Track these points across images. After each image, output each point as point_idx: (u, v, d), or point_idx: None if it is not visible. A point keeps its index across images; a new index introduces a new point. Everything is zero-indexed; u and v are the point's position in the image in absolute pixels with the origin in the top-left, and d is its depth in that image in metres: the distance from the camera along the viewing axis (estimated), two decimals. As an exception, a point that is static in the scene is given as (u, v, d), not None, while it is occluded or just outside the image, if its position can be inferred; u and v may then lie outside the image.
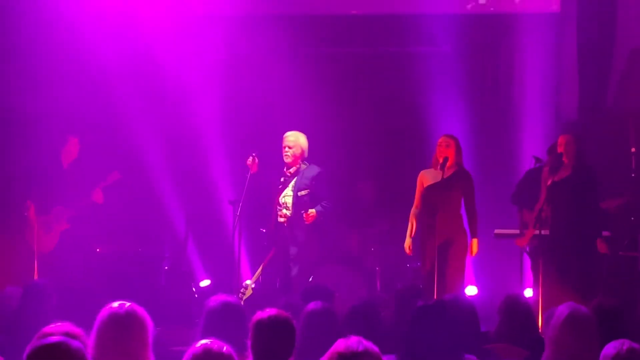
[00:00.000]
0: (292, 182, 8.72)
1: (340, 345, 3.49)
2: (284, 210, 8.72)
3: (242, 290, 8.79)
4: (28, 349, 3.36)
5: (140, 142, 10.70)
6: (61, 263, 9.17)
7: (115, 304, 4.22)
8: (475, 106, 10.89)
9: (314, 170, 8.75)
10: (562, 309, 4.64)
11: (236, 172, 8.69)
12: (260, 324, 4.34)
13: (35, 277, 8.57)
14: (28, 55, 10.47)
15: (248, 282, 8.92)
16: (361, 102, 10.99)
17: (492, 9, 10.59)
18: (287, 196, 8.72)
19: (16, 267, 9.17)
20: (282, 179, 8.76)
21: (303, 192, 8.66)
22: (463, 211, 8.67)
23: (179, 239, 10.90)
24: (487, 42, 10.60)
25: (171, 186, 10.93)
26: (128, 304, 4.22)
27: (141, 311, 4.20)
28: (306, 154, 8.78)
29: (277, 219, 8.72)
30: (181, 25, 11.05)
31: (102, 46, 10.65)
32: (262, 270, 8.76)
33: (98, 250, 9.99)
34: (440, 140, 8.67)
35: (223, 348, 3.77)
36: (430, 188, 8.59)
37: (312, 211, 8.62)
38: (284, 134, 8.82)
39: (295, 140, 8.71)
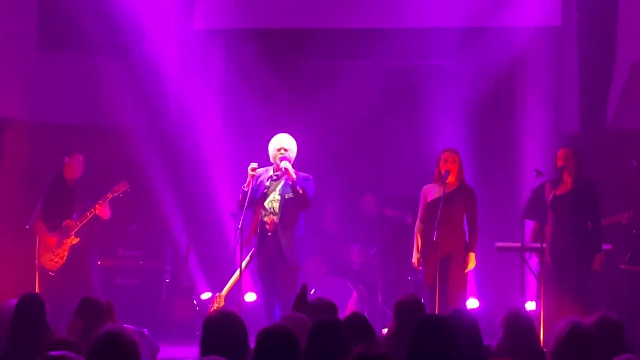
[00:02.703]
0: (279, 186, 8.37)
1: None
2: (271, 216, 8.36)
3: (215, 303, 8.76)
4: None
5: (141, 154, 10.73)
6: (65, 276, 9.13)
7: (104, 330, 4.19)
8: (477, 119, 10.89)
9: (302, 175, 8.42)
10: (564, 324, 4.63)
11: (238, 184, 8.62)
12: (262, 337, 4.34)
13: (37, 290, 8.56)
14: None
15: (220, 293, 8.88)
16: (364, 115, 10.99)
17: (493, 22, 10.61)
18: (274, 201, 8.37)
19: (23, 280, 9.16)
20: (267, 183, 8.41)
21: (290, 195, 8.33)
22: (466, 226, 8.67)
23: (180, 251, 10.91)
24: (489, 55, 10.61)
25: (173, 199, 10.94)
26: (117, 327, 4.19)
27: (130, 334, 4.17)
28: (294, 159, 8.48)
29: (262, 226, 8.39)
30: (184, 38, 11.08)
31: (106, 57, 10.71)
32: (236, 280, 8.49)
33: (99, 262, 9.98)
34: (444, 155, 8.66)
35: None
36: (433, 203, 8.60)
37: (289, 164, 8.30)
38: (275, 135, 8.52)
39: (290, 142, 8.45)
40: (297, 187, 8.26)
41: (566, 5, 10.64)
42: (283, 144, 8.42)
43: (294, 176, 8.29)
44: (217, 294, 8.81)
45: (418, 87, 10.82)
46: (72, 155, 9.31)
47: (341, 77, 11.06)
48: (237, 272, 8.48)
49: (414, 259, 8.75)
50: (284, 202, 8.32)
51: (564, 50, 10.86)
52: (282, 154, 8.37)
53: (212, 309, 8.58)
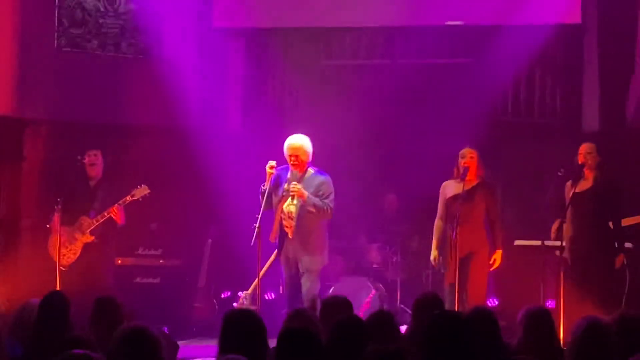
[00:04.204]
0: (300, 186, 8.22)
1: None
2: (289, 220, 8.28)
3: (240, 302, 8.75)
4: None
5: (161, 153, 10.76)
6: (79, 274, 9.15)
7: (127, 327, 4.20)
8: (496, 117, 10.87)
9: (319, 178, 8.31)
10: (581, 322, 4.62)
11: (257, 183, 8.62)
12: (284, 336, 4.34)
13: (58, 289, 8.58)
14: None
15: (242, 293, 8.87)
16: (382, 114, 10.99)
17: (512, 20, 10.57)
18: (291, 205, 8.26)
19: (40, 279, 9.19)
20: (285, 186, 8.29)
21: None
22: (486, 223, 8.65)
23: (200, 250, 10.92)
24: (508, 53, 10.57)
25: (192, 198, 10.96)
26: (140, 324, 4.19)
27: (153, 331, 4.18)
28: (311, 157, 8.37)
29: (282, 229, 8.32)
30: (203, 37, 11.11)
31: (125, 56, 10.75)
32: (260, 279, 8.40)
33: (119, 262, 10.00)
34: (462, 151, 8.66)
35: None
36: (452, 200, 8.58)
37: (299, 187, 8.19)
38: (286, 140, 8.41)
39: (301, 146, 8.30)
40: (309, 208, 8.22)
41: (586, 3, 10.60)
42: (292, 149, 8.32)
43: (305, 197, 8.20)
44: (244, 292, 8.81)
45: (436, 85, 10.80)
46: (90, 153, 9.33)
47: (360, 75, 11.06)
48: (263, 270, 8.49)
49: (432, 257, 8.73)
50: (301, 211, 8.27)
51: (583, 47, 10.82)
52: (292, 161, 8.29)
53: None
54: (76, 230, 9.22)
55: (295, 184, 8.22)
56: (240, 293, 8.93)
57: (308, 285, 8.26)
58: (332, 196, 8.32)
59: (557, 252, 8.54)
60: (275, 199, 8.38)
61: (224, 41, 11.19)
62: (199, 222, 11.00)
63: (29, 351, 5.54)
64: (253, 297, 8.73)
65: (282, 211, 8.33)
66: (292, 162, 8.32)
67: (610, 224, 8.58)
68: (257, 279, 8.32)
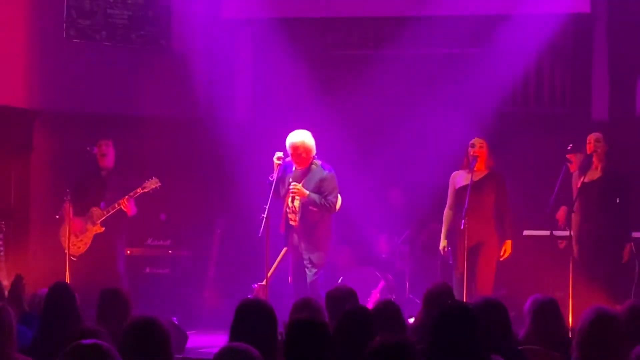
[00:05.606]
0: (300, 185, 8.27)
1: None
2: (293, 214, 8.33)
3: (255, 294, 8.77)
4: (62, 352, 3.40)
5: (170, 144, 10.77)
6: (93, 265, 9.19)
7: (136, 318, 4.21)
8: (506, 107, 10.85)
9: (322, 174, 8.28)
10: (589, 312, 4.62)
11: (266, 173, 8.63)
12: (293, 327, 4.35)
13: (67, 279, 8.63)
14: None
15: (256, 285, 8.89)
16: (391, 104, 10.98)
17: (521, 9, 10.54)
18: (296, 199, 8.31)
19: (50, 269, 9.23)
20: (290, 180, 8.32)
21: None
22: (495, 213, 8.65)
23: (209, 241, 10.93)
24: (517, 43, 10.54)
25: (202, 188, 10.98)
26: (150, 315, 4.20)
27: (162, 322, 4.19)
28: (314, 151, 8.33)
29: (288, 222, 8.39)
30: (212, 28, 11.11)
31: (135, 47, 10.76)
32: (273, 271, 8.49)
33: (128, 252, 10.03)
34: (472, 141, 8.67)
35: (249, 349, 3.77)
36: (462, 190, 8.58)
37: (299, 187, 8.21)
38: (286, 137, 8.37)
39: (301, 144, 8.27)
40: (310, 207, 8.24)
41: (595, -8, 10.57)
42: (292, 147, 8.28)
43: (306, 196, 8.22)
44: (259, 284, 8.84)
45: (445, 75, 10.78)
46: (101, 144, 9.37)
47: (368, 65, 11.03)
48: (273, 268, 8.50)
49: (441, 246, 8.75)
50: (303, 206, 8.29)
51: (593, 36, 10.78)
52: (294, 158, 8.28)
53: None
54: (87, 221, 9.26)
55: (295, 185, 8.26)
56: (254, 285, 8.96)
57: (311, 277, 8.30)
58: (335, 192, 8.32)
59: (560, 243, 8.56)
60: (282, 190, 8.40)
61: (233, 31, 11.18)
62: (208, 213, 11.01)
63: (36, 342, 5.57)
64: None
65: (287, 205, 8.37)
66: (293, 160, 8.32)
67: (619, 213, 8.57)
68: (268, 271, 8.35)
